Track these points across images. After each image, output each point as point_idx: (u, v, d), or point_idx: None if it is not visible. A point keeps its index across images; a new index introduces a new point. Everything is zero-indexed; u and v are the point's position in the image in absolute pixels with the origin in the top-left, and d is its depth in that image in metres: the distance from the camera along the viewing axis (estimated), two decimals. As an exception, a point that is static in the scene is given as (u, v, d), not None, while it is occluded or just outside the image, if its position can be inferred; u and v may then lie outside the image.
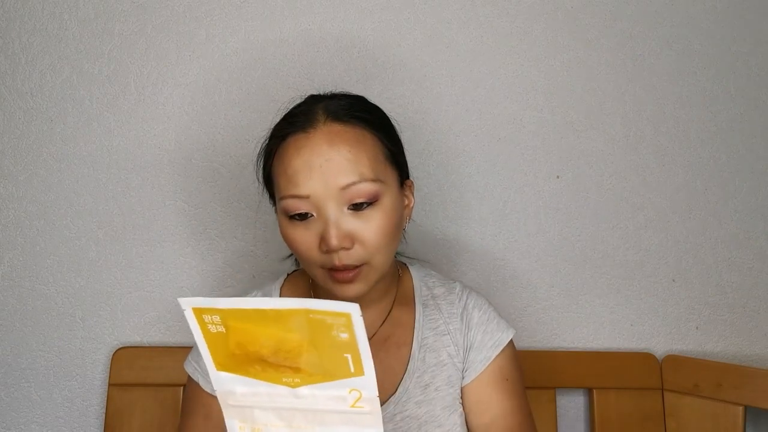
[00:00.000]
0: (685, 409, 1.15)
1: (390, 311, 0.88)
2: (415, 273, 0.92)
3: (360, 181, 0.73)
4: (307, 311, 0.55)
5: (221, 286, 1.15)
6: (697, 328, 1.23)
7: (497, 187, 1.19)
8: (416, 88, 1.16)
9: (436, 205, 1.17)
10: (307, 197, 0.73)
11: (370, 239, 0.74)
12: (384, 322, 0.87)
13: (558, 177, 1.20)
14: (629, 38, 1.21)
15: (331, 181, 0.73)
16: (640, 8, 1.21)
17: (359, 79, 1.14)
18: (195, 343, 0.73)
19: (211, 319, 0.56)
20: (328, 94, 0.83)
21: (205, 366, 0.76)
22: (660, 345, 1.22)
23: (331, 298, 0.76)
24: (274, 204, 0.83)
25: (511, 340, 0.88)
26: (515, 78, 1.19)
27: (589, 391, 1.18)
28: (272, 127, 0.82)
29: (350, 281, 0.75)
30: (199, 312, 0.56)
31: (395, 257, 0.89)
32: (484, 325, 0.88)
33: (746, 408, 1.10)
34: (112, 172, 1.12)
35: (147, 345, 1.12)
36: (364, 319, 0.84)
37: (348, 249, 0.73)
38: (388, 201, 0.76)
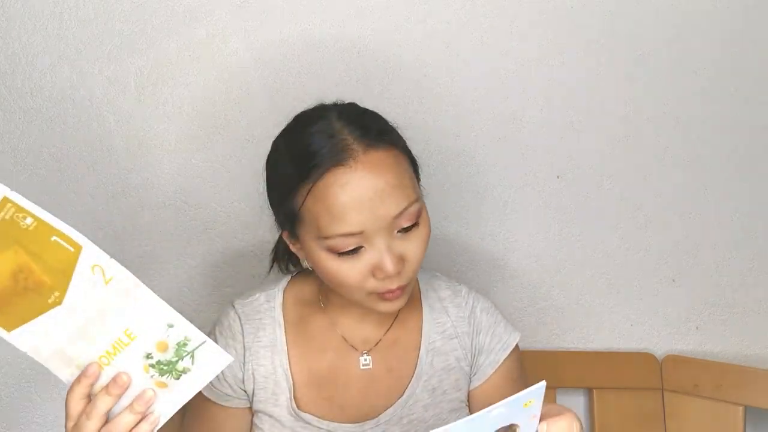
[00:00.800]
0: (685, 409, 1.15)
1: (396, 316, 0.88)
2: (421, 275, 0.92)
3: (409, 206, 0.73)
4: None
5: (221, 286, 1.15)
6: (697, 328, 1.23)
7: (497, 187, 1.19)
8: (416, 88, 1.16)
9: (436, 205, 1.17)
10: (360, 233, 0.71)
11: (416, 256, 0.75)
12: (392, 325, 0.87)
13: (558, 177, 1.20)
14: (629, 38, 1.20)
15: (382, 212, 0.71)
16: (640, 8, 1.20)
17: (359, 79, 1.14)
18: None
19: None
20: (320, 109, 0.80)
21: None
22: (660, 345, 1.22)
23: (367, 313, 0.79)
24: (292, 236, 0.80)
25: (517, 346, 0.90)
26: (515, 78, 1.18)
27: (589, 391, 1.18)
28: (277, 155, 0.79)
29: (398, 297, 0.75)
30: None
31: None
32: (493, 328, 0.89)
33: (746, 408, 1.10)
34: (112, 172, 1.12)
35: (147, 345, 1.12)
36: (373, 321, 0.86)
37: (400, 271, 0.73)
38: (425, 213, 0.76)
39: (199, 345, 0.61)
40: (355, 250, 0.72)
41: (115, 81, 1.11)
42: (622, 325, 1.22)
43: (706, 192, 1.22)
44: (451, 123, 1.17)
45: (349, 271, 0.73)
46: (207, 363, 0.62)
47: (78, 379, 0.61)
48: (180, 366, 0.61)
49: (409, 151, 0.80)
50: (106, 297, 0.58)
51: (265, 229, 1.14)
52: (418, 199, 0.75)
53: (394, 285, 0.73)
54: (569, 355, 1.19)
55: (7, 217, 0.54)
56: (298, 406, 0.82)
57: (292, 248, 0.82)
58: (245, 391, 0.84)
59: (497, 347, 0.88)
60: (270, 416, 0.83)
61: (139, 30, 1.12)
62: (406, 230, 0.74)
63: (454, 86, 1.17)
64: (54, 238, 0.56)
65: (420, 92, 1.16)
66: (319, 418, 0.82)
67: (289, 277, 0.92)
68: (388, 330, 0.87)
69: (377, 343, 0.86)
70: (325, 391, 0.84)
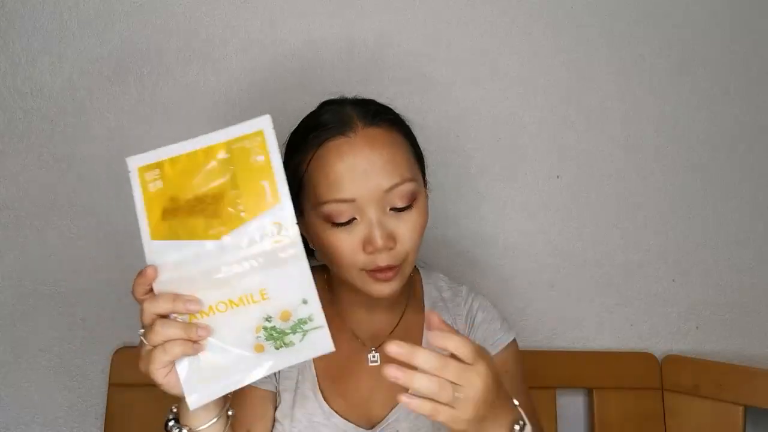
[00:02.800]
0: (685, 409, 1.15)
1: (402, 315, 0.89)
2: (425, 276, 0.94)
3: (401, 183, 0.75)
4: (229, 142, 0.56)
5: (221, 286, 1.15)
6: (697, 328, 1.23)
7: (497, 187, 1.19)
8: (416, 88, 1.16)
9: (436, 206, 1.16)
10: (352, 201, 0.74)
11: (409, 238, 0.76)
12: (397, 325, 0.88)
13: (558, 177, 1.20)
14: (629, 38, 1.21)
15: (374, 184, 0.74)
16: (640, 8, 1.21)
17: (359, 80, 1.14)
18: None
19: (152, 174, 0.56)
20: (341, 99, 0.84)
21: None
22: (660, 345, 1.22)
23: (363, 296, 0.79)
24: (298, 213, 0.82)
25: (514, 344, 0.90)
26: (515, 78, 1.18)
27: (589, 391, 1.18)
28: (291, 135, 0.83)
29: (390, 279, 0.76)
30: (142, 171, 0.56)
31: None
32: (487, 324, 0.90)
33: (746, 408, 1.10)
34: (112, 172, 1.12)
35: (147, 345, 1.12)
36: (380, 318, 0.87)
37: (391, 249, 0.75)
38: (421, 200, 0.79)
39: (316, 327, 0.61)
40: (348, 222, 0.74)
41: (115, 81, 1.12)
42: (622, 325, 1.22)
43: (706, 192, 1.23)
44: (451, 123, 1.17)
45: (342, 244, 0.75)
46: (311, 345, 0.62)
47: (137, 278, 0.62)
48: (288, 339, 0.61)
49: (416, 144, 0.83)
50: (268, 253, 0.59)
51: (265, 229, 1.15)
52: (413, 180, 0.77)
53: (383, 262, 0.74)
54: (569, 355, 1.19)
55: (247, 146, 0.57)
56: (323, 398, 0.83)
57: (300, 230, 0.83)
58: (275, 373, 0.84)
59: (489, 341, 0.88)
60: (291, 408, 0.83)
61: (139, 30, 1.12)
62: (399, 210, 0.75)
63: (454, 86, 1.17)
64: (264, 182, 0.58)
65: (420, 92, 1.16)
66: (338, 414, 0.82)
67: None
68: (395, 327, 0.88)
69: (384, 339, 0.87)
70: (339, 387, 0.84)
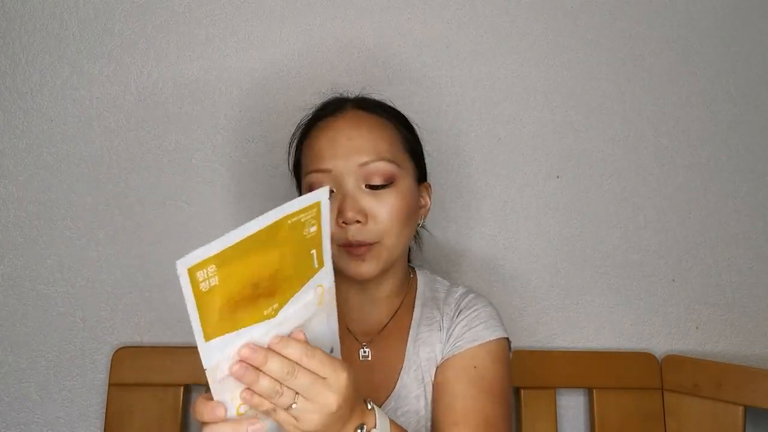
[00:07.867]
0: (685, 409, 1.15)
1: (397, 311, 0.90)
2: (422, 277, 0.95)
3: (377, 160, 0.80)
4: (287, 217, 0.54)
5: (221, 286, 1.15)
6: (697, 328, 1.23)
7: (497, 187, 1.19)
8: (416, 88, 1.16)
9: (436, 205, 1.17)
10: (329, 171, 0.79)
11: (383, 217, 0.79)
12: (390, 320, 0.89)
13: (558, 177, 1.20)
14: (629, 38, 1.21)
15: (351, 158, 0.79)
16: (640, 8, 1.21)
17: (359, 80, 1.14)
18: None
19: (205, 273, 0.51)
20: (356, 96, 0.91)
21: None
22: (660, 345, 1.22)
23: (344, 277, 0.81)
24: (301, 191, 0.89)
25: (501, 345, 0.86)
26: (515, 78, 1.19)
27: (589, 391, 1.18)
28: (302, 122, 0.90)
29: (362, 258, 0.79)
30: (193, 271, 0.50)
31: (407, 264, 0.94)
32: (472, 322, 0.87)
33: (746, 408, 1.10)
34: (112, 172, 1.12)
35: (147, 345, 1.12)
36: (373, 314, 0.88)
37: (362, 224, 0.78)
38: (402, 185, 0.81)
39: None
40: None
41: (115, 81, 1.12)
42: (622, 325, 1.22)
43: (706, 192, 1.23)
44: (451, 123, 1.17)
45: None
46: None
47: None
48: None
49: (411, 137, 0.87)
50: (312, 317, 0.58)
51: (265, 229, 1.14)
52: (392, 162, 0.81)
53: (353, 237, 0.78)
54: (569, 355, 1.19)
55: (302, 219, 0.54)
56: None
57: None
58: None
59: (467, 337, 0.85)
60: None
61: (139, 30, 1.12)
62: (375, 189, 0.79)
63: (454, 86, 1.17)
64: (312, 251, 0.56)
65: (420, 92, 1.16)
66: None
67: None
68: (386, 324, 0.88)
69: (376, 336, 0.88)
70: None
